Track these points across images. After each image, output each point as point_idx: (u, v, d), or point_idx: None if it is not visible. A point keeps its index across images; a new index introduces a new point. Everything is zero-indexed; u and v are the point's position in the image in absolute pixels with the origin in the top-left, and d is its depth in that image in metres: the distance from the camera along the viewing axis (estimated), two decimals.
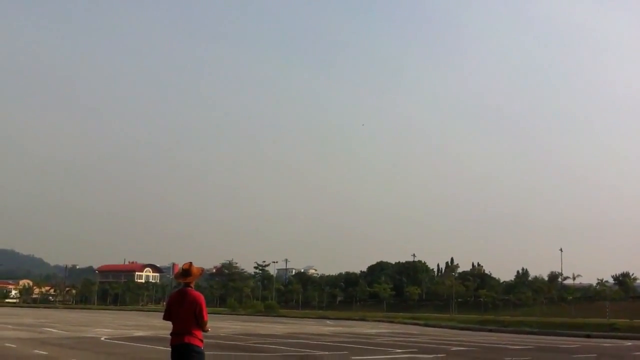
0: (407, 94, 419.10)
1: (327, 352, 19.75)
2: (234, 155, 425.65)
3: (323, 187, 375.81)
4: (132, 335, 27.26)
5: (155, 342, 22.39)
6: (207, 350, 8.54)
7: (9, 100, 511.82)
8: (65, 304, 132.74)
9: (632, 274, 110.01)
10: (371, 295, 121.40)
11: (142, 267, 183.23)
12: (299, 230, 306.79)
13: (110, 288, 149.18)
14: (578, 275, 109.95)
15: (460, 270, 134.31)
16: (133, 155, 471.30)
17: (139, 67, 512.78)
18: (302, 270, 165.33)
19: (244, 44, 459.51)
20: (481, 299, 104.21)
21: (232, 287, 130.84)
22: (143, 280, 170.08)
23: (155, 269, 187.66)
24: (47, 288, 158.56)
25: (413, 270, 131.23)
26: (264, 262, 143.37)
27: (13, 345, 19.76)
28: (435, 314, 76.25)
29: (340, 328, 40.23)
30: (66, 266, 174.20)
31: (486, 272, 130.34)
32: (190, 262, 8.18)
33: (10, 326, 33.25)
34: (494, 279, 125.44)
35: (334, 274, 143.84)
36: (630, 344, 28.74)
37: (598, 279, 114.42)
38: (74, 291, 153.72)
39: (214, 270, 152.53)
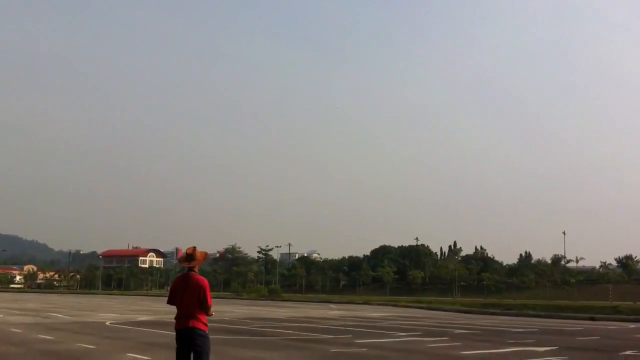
0: (412, 78, 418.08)
1: (331, 336, 19.77)
2: (238, 141, 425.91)
3: (326, 171, 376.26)
4: (136, 319, 27.33)
5: (159, 327, 22.44)
6: (212, 334, 8.53)
7: (12, 85, 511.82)
8: (70, 289, 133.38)
9: (635, 257, 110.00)
10: (374, 279, 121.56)
11: (145, 252, 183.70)
12: (302, 214, 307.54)
13: (114, 273, 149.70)
14: (581, 258, 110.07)
15: (463, 253, 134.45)
16: (136, 140, 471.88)
17: (144, 53, 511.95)
18: (306, 255, 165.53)
19: (256, 34, 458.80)
20: (484, 282, 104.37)
21: (236, 272, 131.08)
22: (147, 265, 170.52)
23: (158, 253, 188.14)
24: (52, 273, 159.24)
25: (416, 254, 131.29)
26: (267, 246, 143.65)
27: (18, 331, 19.82)
28: (439, 298, 76.40)
29: (344, 312, 40.30)
30: (70, 251, 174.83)
31: (489, 255, 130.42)
32: (194, 247, 8.15)
33: (15, 311, 33.37)
34: (497, 262, 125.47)
35: (337, 258, 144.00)
36: (633, 326, 28.74)
37: (601, 262, 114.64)
38: (78, 276, 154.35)
39: (218, 255, 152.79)
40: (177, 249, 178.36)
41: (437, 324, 27.51)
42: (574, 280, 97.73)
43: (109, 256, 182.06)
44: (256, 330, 22.02)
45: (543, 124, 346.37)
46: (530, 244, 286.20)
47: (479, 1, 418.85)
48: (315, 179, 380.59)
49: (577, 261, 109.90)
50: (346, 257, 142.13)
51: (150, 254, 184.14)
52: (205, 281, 8.07)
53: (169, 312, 16.39)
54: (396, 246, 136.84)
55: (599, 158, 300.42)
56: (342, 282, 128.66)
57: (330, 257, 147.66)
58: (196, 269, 8.16)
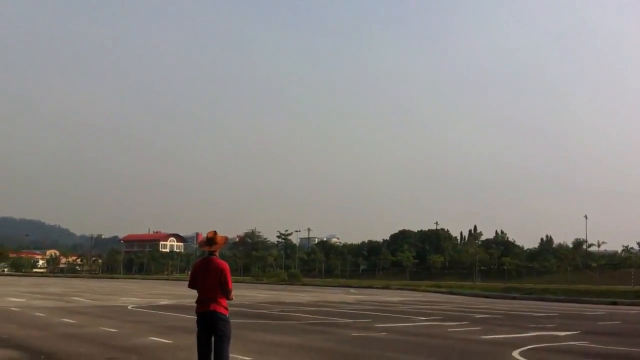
0: (437, 52, 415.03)
1: (351, 320, 19.81)
2: (259, 125, 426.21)
3: (346, 155, 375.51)
4: (158, 303, 27.55)
5: (181, 310, 22.61)
6: (232, 318, 8.56)
7: (34, 67, 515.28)
8: (92, 274, 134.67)
9: None
10: (394, 264, 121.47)
11: (166, 237, 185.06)
12: (321, 199, 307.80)
13: (135, 257, 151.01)
14: (603, 242, 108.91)
15: (483, 238, 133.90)
16: (157, 125, 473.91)
17: (165, 34, 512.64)
18: (325, 239, 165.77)
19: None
20: (505, 267, 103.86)
21: (256, 256, 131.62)
22: (167, 250, 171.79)
23: (179, 238, 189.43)
24: (74, 258, 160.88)
25: (436, 239, 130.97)
26: (287, 231, 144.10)
27: (42, 315, 20.05)
28: (459, 282, 76.21)
29: (364, 296, 40.35)
30: (92, 236, 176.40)
31: (510, 239, 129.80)
32: (215, 231, 8.16)
33: (38, 296, 33.77)
34: (518, 246, 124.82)
35: (356, 243, 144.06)
36: None
37: (623, 246, 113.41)
38: (100, 261, 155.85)
39: (237, 240, 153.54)
40: (197, 234, 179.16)
41: (457, 309, 27.46)
42: (596, 265, 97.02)
43: (130, 241, 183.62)
44: (276, 314, 22.11)
45: (566, 104, 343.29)
46: (552, 228, 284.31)
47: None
48: (336, 163, 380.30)
49: (599, 245, 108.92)
50: (365, 242, 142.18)
51: (171, 238, 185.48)
52: (226, 265, 8.08)
53: (190, 296, 16.50)
54: (416, 230, 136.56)
55: (620, 140, 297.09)
56: (362, 267, 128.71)
57: (349, 242, 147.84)
58: (217, 253, 8.18)
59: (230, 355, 8.11)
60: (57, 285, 54.52)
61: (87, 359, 10.20)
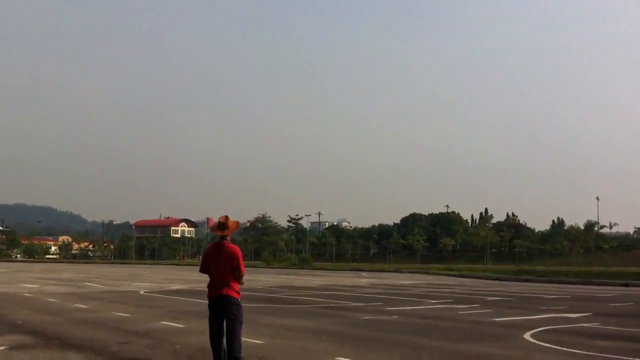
0: (440, 32, 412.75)
1: (362, 304, 19.85)
2: (269, 109, 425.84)
3: (355, 139, 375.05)
4: (170, 288, 27.68)
5: (192, 295, 22.71)
6: (244, 303, 8.58)
7: (45, 53, 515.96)
8: (104, 259, 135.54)
9: None
10: (404, 247, 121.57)
11: (177, 222, 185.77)
12: (331, 183, 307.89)
13: (147, 243, 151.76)
14: (615, 224, 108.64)
15: (494, 220, 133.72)
16: (166, 111, 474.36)
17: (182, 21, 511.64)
18: (335, 223, 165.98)
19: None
20: (516, 250, 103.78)
21: (266, 241, 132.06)
22: (179, 235, 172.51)
23: (190, 223, 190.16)
24: (86, 244, 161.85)
25: (447, 222, 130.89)
26: (297, 215, 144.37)
27: (55, 300, 20.19)
28: (470, 265, 76.22)
29: (375, 280, 40.42)
30: (103, 222, 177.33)
31: (521, 222, 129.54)
32: (227, 216, 8.16)
33: (51, 281, 34.00)
34: (529, 228, 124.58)
35: (367, 227, 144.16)
36: None
37: (635, 227, 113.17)
38: (112, 246, 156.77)
39: (248, 224, 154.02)
40: (207, 219, 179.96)
41: (468, 292, 27.46)
42: (608, 247, 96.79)
43: (141, 226, 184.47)
44: (288, 298, 22.18)
45: (578, 82, 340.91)
46: (563, 210, 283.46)
47: None
48: (345, 147, 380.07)
49: (610, 227, 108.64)
50: (376, 226, 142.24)
51: (182, 223, 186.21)
52: (238, 250, 8.10)
53: (202, 281, 16.57)
54: (426, 214, 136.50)
55: (634, 121, 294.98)
56: (372, 251, 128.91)
57: (360, 226, 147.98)
58: (229, 238, 8.19)
59: (242, 338, 8.15)
60: (70, 271, 54.87)
61: (100, 344, 10.27)
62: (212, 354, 8.01)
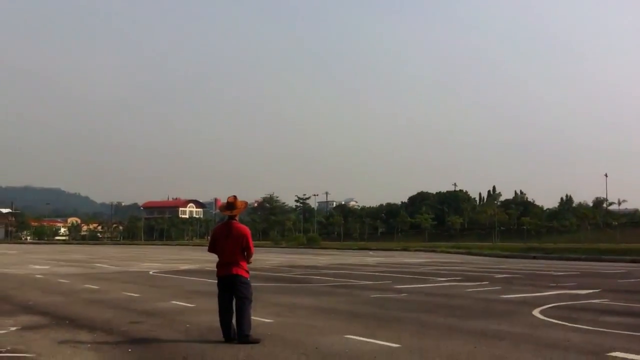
0: (450, 18, 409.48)
1: (370, 282, 19.90)
2: (275, 89, 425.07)
3: (362, 118, 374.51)
4: (179, 268, 27.81)
5: (202, 275, 22.82)
6: (252, 282, 8.61)
7: (54, 39, 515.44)
8: (113, 240, 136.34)
9: None
10: (412, 226, 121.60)
11: (185, 203, 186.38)
12: (339, 162, 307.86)
13: (155, 224, 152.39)
14: (623, 201, 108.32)
15: (502, 198, 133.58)
16: (174, 91, 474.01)
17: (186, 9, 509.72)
18: (343, 203, 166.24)
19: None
20: (524, 227, 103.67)
21: (274, 221, 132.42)
22: (187, 216, 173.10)
23: (198, 204, 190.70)
24: (95, 225, 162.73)
25: (454, 200, 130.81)
26: (305, 195, 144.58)
27: (66, 281, 20.32)
28: (478, 243, 76.23)
29: (383, 258, 40.49)
30: (112, 203, 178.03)
31: (529, 199, 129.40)
32: (235, 196, 8.18)
33: (62, 262, 34.20)
34: (537, 206, 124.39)
35: (374, 206, 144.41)
36: None
37: None
38: (120, 227, 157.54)
39: (256, 204, 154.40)
40: (215, 199, 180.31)
41: (476, 269, 27.49)
42: (616, 223, 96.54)
43: (149, 207, 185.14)
44: (296, 277, 22.25)
45: (584, 63, 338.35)
46: (571, 187, 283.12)
47: None
48: (352, 126, 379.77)
49: (619, 203, 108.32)
50: (384, 205, 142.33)
51: (190, 204, 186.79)
52: (247, 229, 8.12)
53: (211, 261, 16.65)
54: (434, 192, 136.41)
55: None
56: (380, 230, 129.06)
57: (367, 205, 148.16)
58: (237, 218, 8.21)
59: (252, 317, 8.19)
60: (79, 252, 55.18)
61: (111, 323, 10.34)
62: (221, 332, 8.07)
